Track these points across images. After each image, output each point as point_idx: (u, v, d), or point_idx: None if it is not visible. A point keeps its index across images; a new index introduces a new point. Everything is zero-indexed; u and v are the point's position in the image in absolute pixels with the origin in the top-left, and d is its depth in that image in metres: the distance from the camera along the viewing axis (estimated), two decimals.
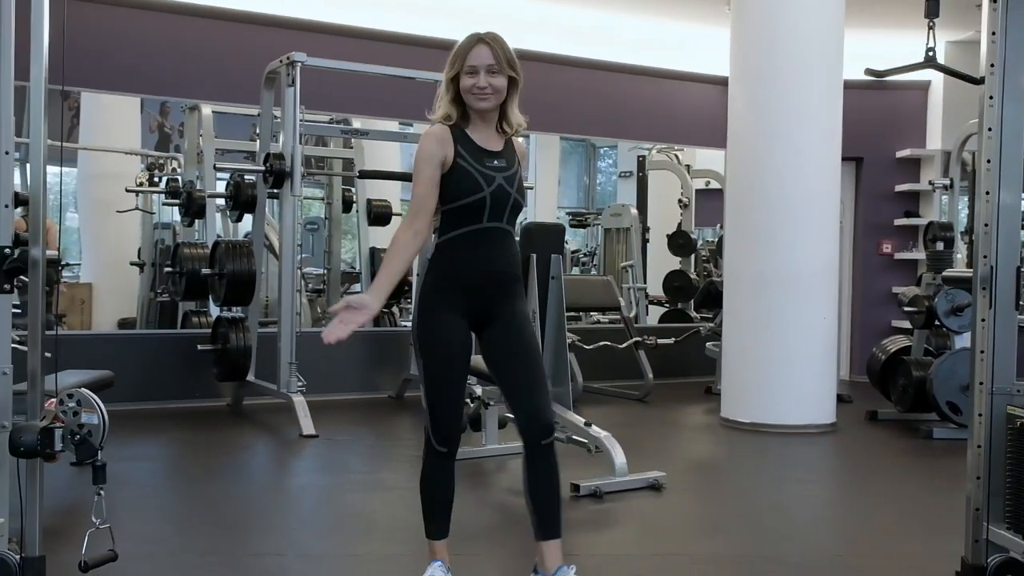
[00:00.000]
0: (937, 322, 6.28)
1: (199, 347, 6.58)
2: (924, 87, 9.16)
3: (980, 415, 2.96)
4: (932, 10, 5.21)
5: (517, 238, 3.00)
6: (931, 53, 5.66)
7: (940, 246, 6.94)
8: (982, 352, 2.92)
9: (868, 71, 5.78)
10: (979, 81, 3.04)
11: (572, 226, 13.03)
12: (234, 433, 6.02)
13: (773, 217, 6.28)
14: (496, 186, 2.81)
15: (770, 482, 5.03)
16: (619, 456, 4.60)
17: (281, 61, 6.12)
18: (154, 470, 5.07)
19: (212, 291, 6.63)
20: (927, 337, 6.73)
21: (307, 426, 5.75)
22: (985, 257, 2.93)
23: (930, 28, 5.32)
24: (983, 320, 2.92)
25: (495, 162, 2.83)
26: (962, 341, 6.24)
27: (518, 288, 2.94)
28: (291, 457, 5.44)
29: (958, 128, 8.33)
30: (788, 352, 6.23)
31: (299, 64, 6.02)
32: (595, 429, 4.68)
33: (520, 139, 3.00)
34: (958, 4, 8.09)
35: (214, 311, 7.17)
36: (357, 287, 10.00)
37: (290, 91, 6.06)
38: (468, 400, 5.02)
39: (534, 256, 4.88)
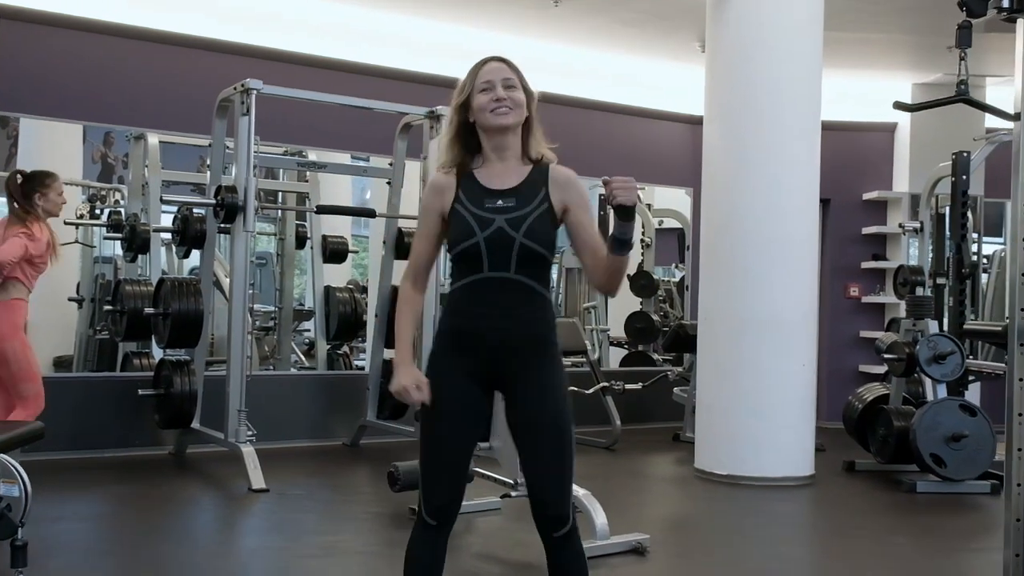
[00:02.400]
0: (917, 370, 6.06)
1: (140, 391, 6.13)
2: (891, 128, 9.06)
3: (1019, 484, 2.67)
4: (964, 39, 4.92)
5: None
6: (963, 86, 5.43)
7: (921, 291, 6.76)
8: (1021, 415, 2.65)
9: (897, 104, 5.55)
10: (1014, 117, 2.78)
11: None
12: (177, 486, 5.57)
13: (750, 259, 6.03)
14: (493, 230, 2.45)
15: (755, 543, 4.72)
16: (600, 516, 4.26)
17: (235, 88, 5.76)
18: (87, 531, 4.61)
19: (155, 332, 6.19)
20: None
21: (257, 480, 5.33)
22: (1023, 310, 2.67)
23: (961, 59, 5.05)
24: (1022, 380, 2.65)
25: (499, 202, 2.47)
26: (944, 391, 6.03)
27: (541, 352, 2.50)
28: (240, 515, 5.01)
29: (926, 170, 8.22)
30: (766, 401, 5.95)
31: (255, 92, 5.67)
32: (573, 487, 4.33)
33: (567, 171, 2.55)
34: (925, 47, 8.02)
35: (157, 352, 6.71)
36: (308, 325, 9.60)
37: (244, 120, 5.70)
38: None
39: None
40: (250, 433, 5.58)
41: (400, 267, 6.72)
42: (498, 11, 6.71)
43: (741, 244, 6.06)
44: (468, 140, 2.54)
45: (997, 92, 8.82)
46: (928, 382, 6.21)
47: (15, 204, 5.07)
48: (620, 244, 2.36)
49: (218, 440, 5.80)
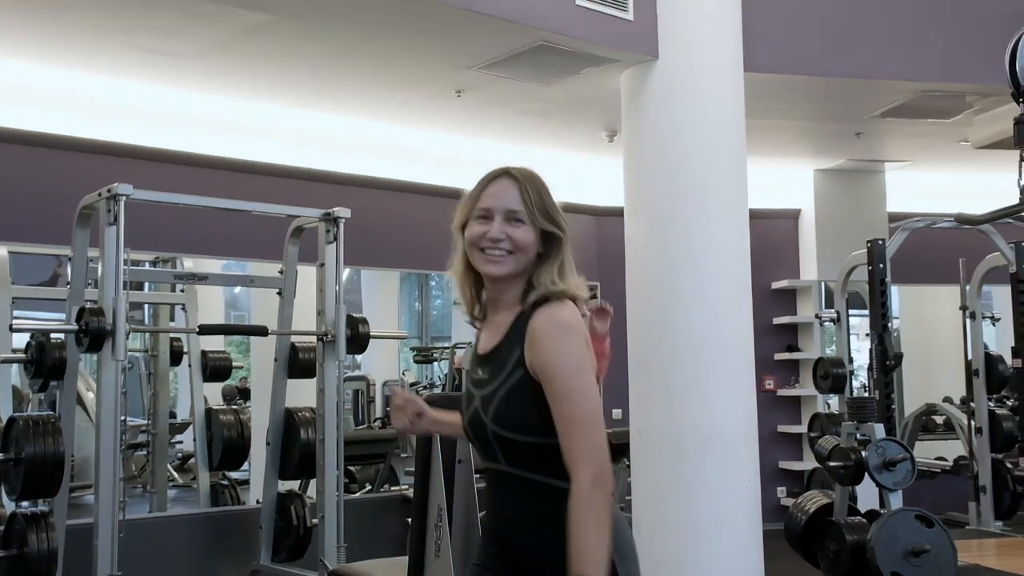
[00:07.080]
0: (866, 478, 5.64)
1: None
2: (795, 216, 8.87)
3: None
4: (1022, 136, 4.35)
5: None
6: None
7: (850, 386, 6.41)
8: None
9: (959, 217, 5.11)
10: None
11: (416, 362, 12.21)
12: None
13: (684, 365, 5.58)
14: (472, 412, 1.91)
15: None
16: None
17: (100, 194, 4.97)
18: None
19: (5, 481, 5.22)
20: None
21: None
22: None
23: (1022, 160, 4.43)
24: None
25: (478, 373, 1.92)
26: (897, 500, 5.61)
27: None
28: None
29: (832, 258, 8.03)
30: (711, 524, 5.44)
31: (123, 198, 4.89)
32: None
33: (542, 319, 1.85)
34: (827, 133, 7.85)
35: (7, 503, 5.71)
36: (181, 437, 8.70)
37: (111, 230, 4.89)
38: None
39: (437, 436, 3.92)
40: None
41: (296, 387, 5.96)
42: (398, 102, 6.14)
43: (672, 347, 5.61)
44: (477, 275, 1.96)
45: (896, 177, 8.75)
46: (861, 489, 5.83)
47: None
48: None
49: None
